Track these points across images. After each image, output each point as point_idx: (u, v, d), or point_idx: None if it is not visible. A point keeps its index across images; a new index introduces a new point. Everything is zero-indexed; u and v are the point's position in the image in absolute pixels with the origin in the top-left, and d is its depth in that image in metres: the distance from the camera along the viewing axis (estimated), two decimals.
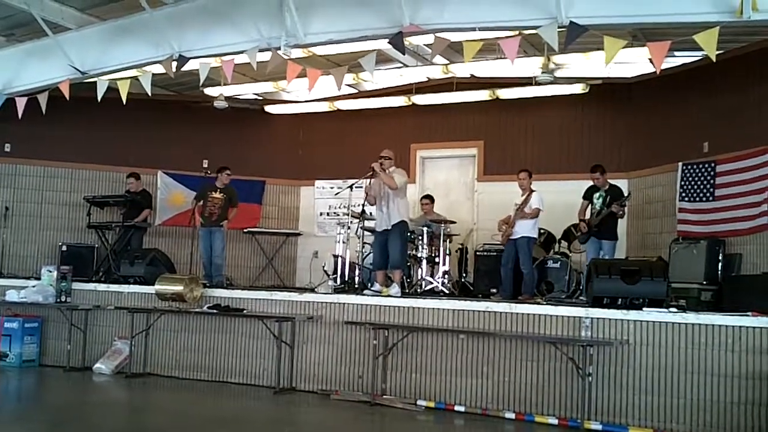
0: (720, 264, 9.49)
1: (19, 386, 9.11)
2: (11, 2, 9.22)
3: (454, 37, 7.91)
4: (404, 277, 9.99)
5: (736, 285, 8.94)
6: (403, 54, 9.50)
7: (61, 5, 9.60)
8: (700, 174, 10.23)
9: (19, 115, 10.02)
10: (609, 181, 10.09)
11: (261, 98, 14.03)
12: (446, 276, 10.59)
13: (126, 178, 12.18)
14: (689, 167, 10.38)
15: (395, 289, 8.99)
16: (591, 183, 10.15)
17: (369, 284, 9.97)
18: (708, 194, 10.11)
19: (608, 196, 9.82)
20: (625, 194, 10.10)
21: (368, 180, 9.51)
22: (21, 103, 10.05)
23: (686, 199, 10.36)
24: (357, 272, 10.22)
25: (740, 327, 6.67)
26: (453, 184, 13.30)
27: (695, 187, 10.25)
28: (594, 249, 9.84)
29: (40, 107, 9.91)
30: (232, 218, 11.14)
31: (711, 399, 6.68)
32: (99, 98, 9.58)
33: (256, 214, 13.92)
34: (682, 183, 10.43)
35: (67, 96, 9.70)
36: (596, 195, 9.99)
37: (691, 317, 6.89)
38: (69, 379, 9.36)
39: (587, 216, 10.04)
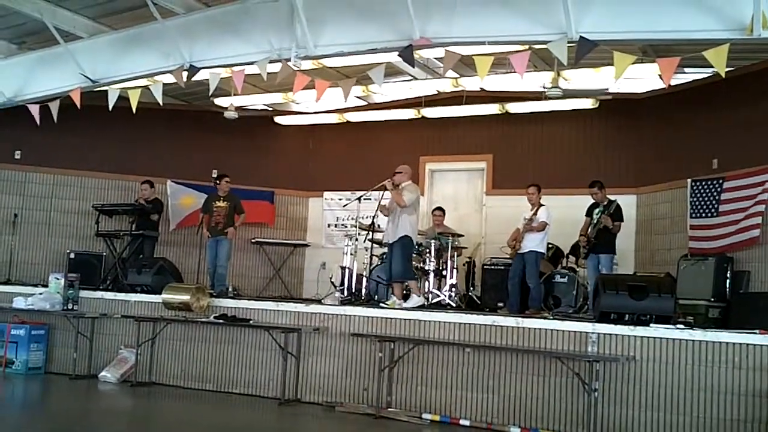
0: (728, 281, 9.45)
1: (25, 393, 9.11)
2: (24, 10, 9.29)
3: (464, 51, 7.93)
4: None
5: (744, 302, 8.91)
6: (413, 67, 9.55)
7: (73, 14, 9.67)
8: (707, 190, 10.20)
9: (38, 122, 10.11)
10: (609, 196, 10.04)
11: (271, 109, 14.07)
12: (453, 289, 10.57)
13: (140, 184, 12.08)
14: (698, 184, 10.36)
15: (414, 299, 8.95)
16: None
17: (376, 296, 9.98)
18: (713, 210, 10.08)
19: (605, 211, 9.80)
20: (622, 209, 10.02)
21: (378, 192, 9.55)
22: (35, 110, 10.12)
23: (694, 215, 10.33)
24: (364, 284, 10.21)
25: (747, 345, 6.62)
26: (461, 198, 13.28)
27: (703, 203, 10.22)
28: (593, 265, 9.80)
29: (50, 115, 9.99)
30: (238, 225, 11.20)
31: (717, 416, 6.63)
32: (110, 107, 9.64)
33: (269, 210, 13.93)
34: (692, 200, 10.40)
35: (78, 104, 9.77)
36: (596, 210, 9.97)
37: (698, 334, 6.85)
38: (74, 387, 9.35)
39: (588, 232, 10.02)
